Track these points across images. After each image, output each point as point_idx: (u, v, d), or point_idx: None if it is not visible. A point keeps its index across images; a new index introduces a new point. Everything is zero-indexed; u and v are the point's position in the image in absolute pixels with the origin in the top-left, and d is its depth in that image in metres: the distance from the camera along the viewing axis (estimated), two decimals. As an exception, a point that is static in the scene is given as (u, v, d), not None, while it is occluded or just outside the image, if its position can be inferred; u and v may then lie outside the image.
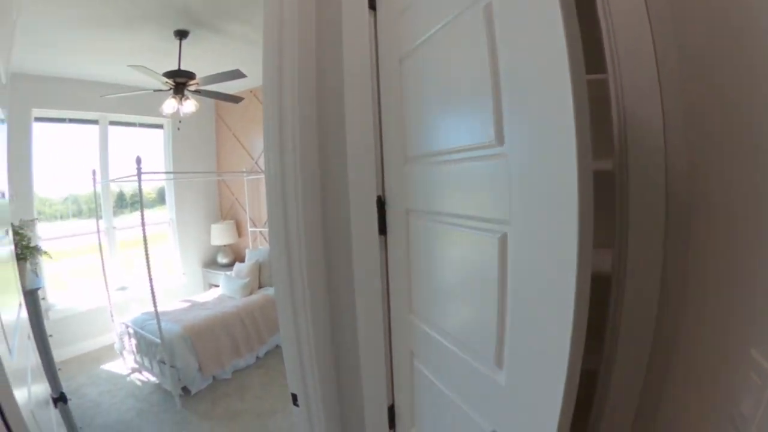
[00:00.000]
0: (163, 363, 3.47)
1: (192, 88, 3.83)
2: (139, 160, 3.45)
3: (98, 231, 4.25)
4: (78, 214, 4.91)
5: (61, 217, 4.78)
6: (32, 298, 2.32)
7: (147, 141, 5.45)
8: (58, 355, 4.27)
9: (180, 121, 4.36)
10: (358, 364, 1.58)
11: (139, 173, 3.43)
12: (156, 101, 3.96)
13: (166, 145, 5.59)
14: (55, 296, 4.55)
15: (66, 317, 4.43)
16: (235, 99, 4.21)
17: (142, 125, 5.33)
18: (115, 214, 5.15)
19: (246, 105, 5.42)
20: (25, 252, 2.34)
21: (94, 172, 4.23)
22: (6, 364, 0.88)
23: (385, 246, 1.45)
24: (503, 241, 0.90)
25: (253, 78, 3.72)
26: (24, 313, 1.53)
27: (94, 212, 4.41)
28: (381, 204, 1.43)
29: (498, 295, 0.92)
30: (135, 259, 5.26)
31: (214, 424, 3.24)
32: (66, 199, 4.81)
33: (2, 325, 0.98)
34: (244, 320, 4.23)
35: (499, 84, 0.86)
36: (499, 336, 0.92)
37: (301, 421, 1.70)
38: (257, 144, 5.49)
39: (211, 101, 5.60)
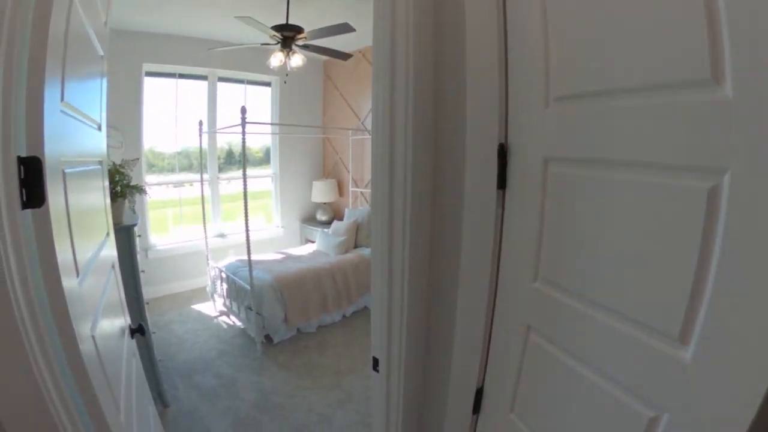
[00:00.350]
0: (250, 309, 3.60)
1: (300, 42, 3.78)
2: (243, 110, 3.52)
3: (201, 181, 4.53)
4: (188, 168, 5.27)
5: (171, 170, 5.16)
6: (128, 234, 2.45)
7: (254, 98, 5.63)
8: (153, 292, 4.71)
9: (287, 75, 4.38)
10: (451, 338, 1.41)
11: (244, 123, 3.50)
12: (263, 58, 4.00)
13: (273, 103, 5.73)
14: (157, 238, 5.00)
15: (164, 258, 4.85)
16: (343, 55, 4.11)
17: (250, 82, 5.50)
18: (222, 170, 5.46)
19: (354, 65, 5.35)
20: (125, 190, 2.47)
21: (200, 123, 4.43)
22: (69, 291, 0.86)
23: (502, 202, 1.22)
24: (714, 193, 0.73)
25: (362, 36, 3.68)
26: (108, 248, 1.55)
27: (203, 166, 4.69)
28: (502, 153, 1.19)
29: (697, 260, 0.76)
30: (236, 211, 5.59)
31: (290, 375, 3.30)
32: (178, 153, 5.17)
33: (74, 252, 0.96)
34: (335, 277, 4.25)
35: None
36: (689, 309, 0.78)
37: (378, 387, 1.59)
38: (364, 105, 5.42)
39: (319, 61, 5.62)
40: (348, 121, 5.66)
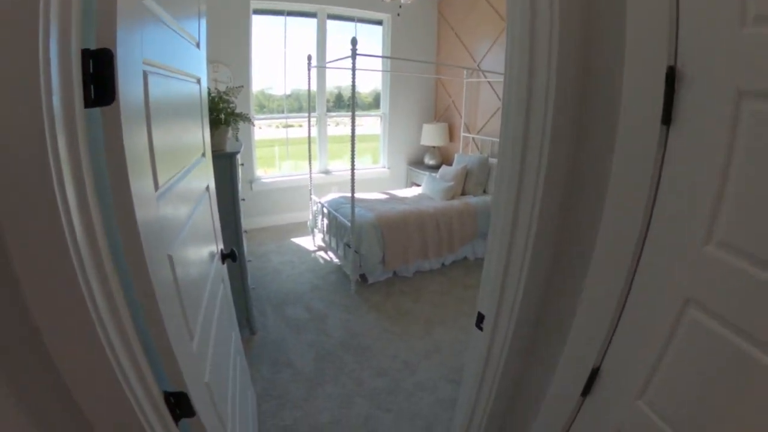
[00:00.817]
0: (349, 247, 3.59)
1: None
2: (354, 41, 3.33)
3: (309, 117, 4.50)
4: (297, 110, 5.31)
5: (280, 111, 5.22)
6: (230, 161, 2.47)
7: (365, 37, 5.40)
8: (255, 222, 4.94)
9: (400, 6, 4.09)
10: (572, 306, 1.18)
11: (354, 55, 3.33)
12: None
13: (384, 43, 5.46)
14: (262, 172, 5.17)
15: (268, 190, 5.02)
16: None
17: (360, 20, 5.26)
18: (331, 111, 5.42)
19: (471, 4, 4.90)
20: (229, 118, 2.47)
21: (309, 57, 4.32)
22: (143, 212, 0.77)
23: (665, 141, 0.93)
24: None
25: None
26: (202, 170, 1.51)
27: (311, 104, 4.65)
28: (671, 79, 0.88)
29: None
30: (342, 151, 5.59)
31: (380, 317, 3.26)
32: (287, 96, 5.20)
33: (153, 163, 0.88)
34: (439, 223, 4.06)
35: None
36: None
37: (478, 346, 1.42)
38: (480, 47, 4.98)
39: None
40: (462, 63, 5.25)
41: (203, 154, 1.63)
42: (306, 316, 3.21)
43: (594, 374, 1.14)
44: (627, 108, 0.97)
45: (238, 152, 2.55)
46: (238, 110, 2.54)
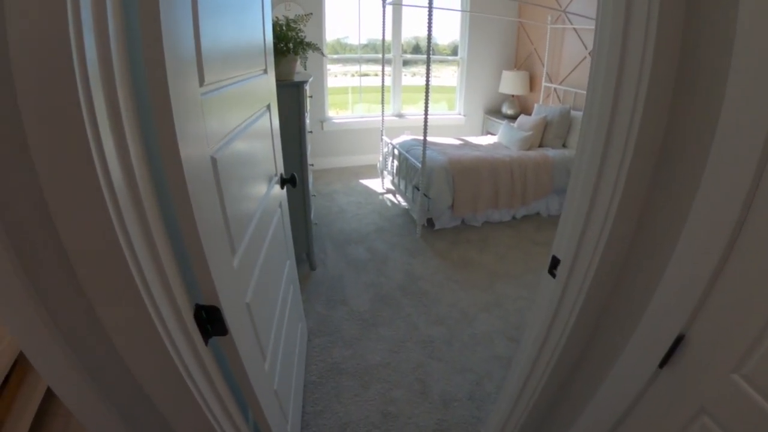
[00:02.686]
0: (417, 189, 3.47)
1: None
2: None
3: (383, 59, 4.25)
4: (373, 61, 5.08)
5: (356, 62, 5.03)
6: (297, 90, 2.39)
7: None
8: (325, 163, 4.94)
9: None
10: (662, 263, 1.00)
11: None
12: None
13: None
14: (334, 113, 5.07)
15: (339, 131, 4.93)
16: None
17: None
18: (407, 64, 5.14)
19: None
20: (297, 47, 2.37)
21: None
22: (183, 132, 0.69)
23: None
24: None
25: None
26: (255, 84, 1.42)
27: (386, 51, 4.41)
28: None
29: None
30: (416, 98, 5.34)
31: (443, 264, 3.16)
32: (364, 45, 4.97)
33: (200, 70, 0.81)
34: (513, 173, 3.82)
35: None
36: None
37: (548, 296, 1.28)
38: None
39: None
40: (545, 10, 4.74)
41: (264, 71, 1.54)
42: (367, 257, 3.17)
43: (678, 342, 0.96)
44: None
45: (306, 81, 2.46)
46: (302, 28, 2.43)
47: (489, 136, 4.97)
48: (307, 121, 2.62)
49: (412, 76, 5.38)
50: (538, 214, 4.13)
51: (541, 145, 4.36)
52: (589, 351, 1.30)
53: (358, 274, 2.95)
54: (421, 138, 3.42)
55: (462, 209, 3.61)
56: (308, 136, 2.64)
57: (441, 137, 4.42)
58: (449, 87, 5.56)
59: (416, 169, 3.50)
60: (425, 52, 3.13)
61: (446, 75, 5.49)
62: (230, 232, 0.97)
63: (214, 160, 0.87)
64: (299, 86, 2.39)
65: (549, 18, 4.71)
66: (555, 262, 1.21)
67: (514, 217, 3.99)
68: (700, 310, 0.91)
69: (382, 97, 4.32)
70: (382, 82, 4.26)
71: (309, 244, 2.84)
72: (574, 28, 4.47)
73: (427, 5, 3.03)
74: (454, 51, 5.38)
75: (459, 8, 5.09)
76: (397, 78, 5.09)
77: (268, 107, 1.59)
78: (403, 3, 4.50)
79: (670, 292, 0.98)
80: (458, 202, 3.56)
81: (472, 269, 3.13)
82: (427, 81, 3.17)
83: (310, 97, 2.75)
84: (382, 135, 4.37)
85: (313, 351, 2.27)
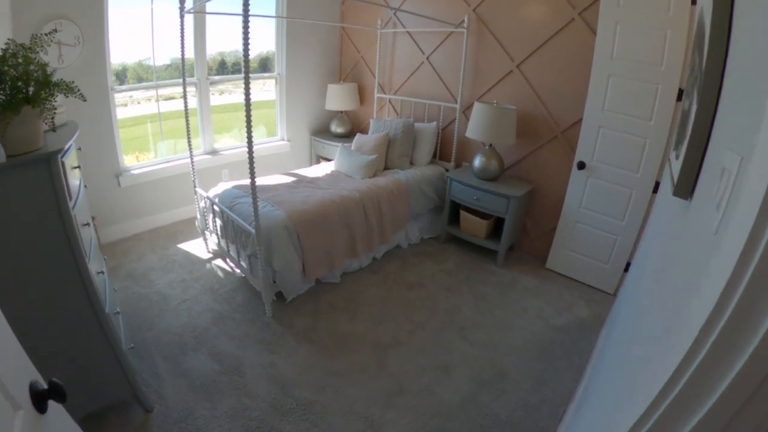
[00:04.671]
0: (256, 258, 2.65)
1: None
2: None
3: (184, 83, 3.17)
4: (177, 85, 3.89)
5: (155, 88, 3.81)
6: (46, 169, 1.41)
7: None
8: (128, 228, 3.71)
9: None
10: None
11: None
12: None
13: None
14: (132, 160, 3.86)
15: (143, 184, 3.73)
16: None
17: None
18: (214, 83, 4.19)
19: None
20: (41, 92, 1.39)
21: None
22: None
23: None
24: None
25: None
26: None
27: (187, 71, 3.34)
28: None
29: None
30: (229, 122, 4.47)
31: (314, 351, 2.44)
32: (167, 66, 3.87)
33: None
34: (367, 211, 3.26)
35: None
36: None
37: None
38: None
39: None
40: (375, 13, 4.36)
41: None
42: (215, 368, 2.27)
43: None
44: None
45: (63, 151, 1.49)
46: (44, 55, 1.46)
47: (323, 163, 4.32)
48: (78, 200, 1.64)
49: (220, 94, 4.42)
50: (398, 247, 3.69)
51: (387, 167, 3.92)
52: None
53: (212, 403, 2.05)
54: (245, 183, 2.60)
55: (315, 271, 2.92)
56: (84, 230, 1.66)
57: (268, 176, 3.61)
58: (266, 101, 4.74)
59: (247, 232, 2.68)
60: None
61: (260, 88, 4.66)
62: None
63: None
64: (50, 161, 1.41)
65: (379, 22, 4.29)
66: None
67: (374, 259, 3.46)
68: None
69: (188, 133, 3.27)
70: (186, 120, 3.20)
71: (130, 381, 1.83)
72: (408, 32, 4.13)
73: (242, 12, 2.19)
74: (262, 64, 4.59)
75: (273, 14, 4.31)
76: (204, 106, 4.08)
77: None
78: (207, 11, 3.53)
79: None
80: (310, 265, 2.86)
81: (350, 348, 2.48)
82: (248, 121, 2.35)
83: (77, 167, 1.75)
84: (195, 186, 3.38)
85: None
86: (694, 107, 1.06)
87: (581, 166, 3.06)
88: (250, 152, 2.37)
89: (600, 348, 2.36)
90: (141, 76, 3.76)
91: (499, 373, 2.36)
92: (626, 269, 3.09)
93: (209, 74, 4.04)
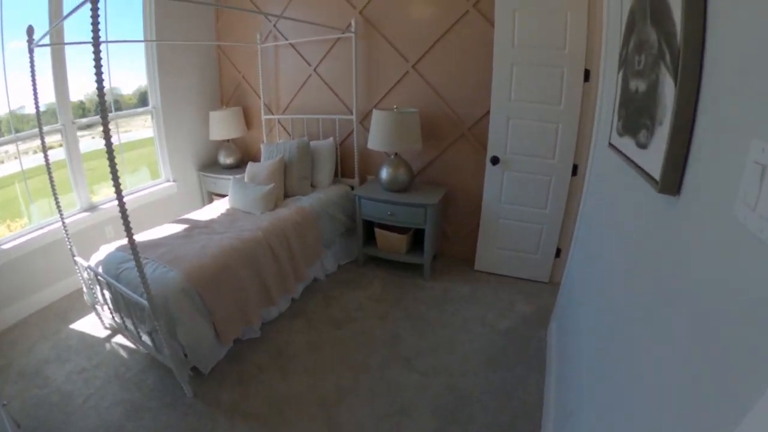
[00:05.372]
0: (157, 333, 2.17)
1: None
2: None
3: (41, 131, 2.46)
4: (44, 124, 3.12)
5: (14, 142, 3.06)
6: None
7: (116, 8, 3.60)
8: (13, 314, 2.96)
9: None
10: None
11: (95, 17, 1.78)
12: None
13: (148, 14, 3.74)
14: (4, 229, 3.10)
15: (18, 258, 2.97)
16: None
17: None
18: (83, 127, 3.52)
19: None
20: None
21: (31, 30, 2.36)
22: None
23: None
24: None
25: None
26: None
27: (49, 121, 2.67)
28: None
29: None
30: (106, 170, 3.80)
31: (253, 427, 2.03)
32: (44, 112, 3.11)
33: None
34: (274, 249, 2.87)
35: None
36: None
37: None
38: (272, 2, 3.80)
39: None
40: (252, 27, 4.00)
41: None
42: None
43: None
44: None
45: None
46: None
47: (216, 201, 3.81)
48: None
49: (93, 138, 3.72)
50: (316, 280, 3.35)
51: (287, 195, 3.55)
52: None
53: None
54: (128, 244, 2.08)
55: (230, 332, 2.49)
56: None
57: (155, 228, 3.06)
58: (146, 139, 4.13)
59: (140, 305, 2.18)
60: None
61: (139, 125, 4.05)
62: None
63: None
64: None
65: (258, 36, 3.90)
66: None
67: (293, 300, 3.08)
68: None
69: (56, 199, 2.61)
70: (49, 174, 2.52)
71: None
72: (291, 44, 3.78)
73: (92, 39, 1.70)
74: (142, 99, 3.98)
75: (140, 36, 3.73)
76: (74, 155, 3.38)
77: None
78: (64, 41, 2.88)
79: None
80: (222, 328, 2.43)
81: (293, 413, 2.12)
82: (114, 170, 1.90)
83: None
84: (73, 255, 2.73)
85: None
86: (670, 90, 0.88)
87: (495, 161, 2.97)
88: (122, 207, 1.93)
89: (556, 345, 2.23)
90: (18, 128, 3.03)
91: (460, 398, 2.14)
92: (557, 255, 3.05)
93: (75, 117, 3.39)
